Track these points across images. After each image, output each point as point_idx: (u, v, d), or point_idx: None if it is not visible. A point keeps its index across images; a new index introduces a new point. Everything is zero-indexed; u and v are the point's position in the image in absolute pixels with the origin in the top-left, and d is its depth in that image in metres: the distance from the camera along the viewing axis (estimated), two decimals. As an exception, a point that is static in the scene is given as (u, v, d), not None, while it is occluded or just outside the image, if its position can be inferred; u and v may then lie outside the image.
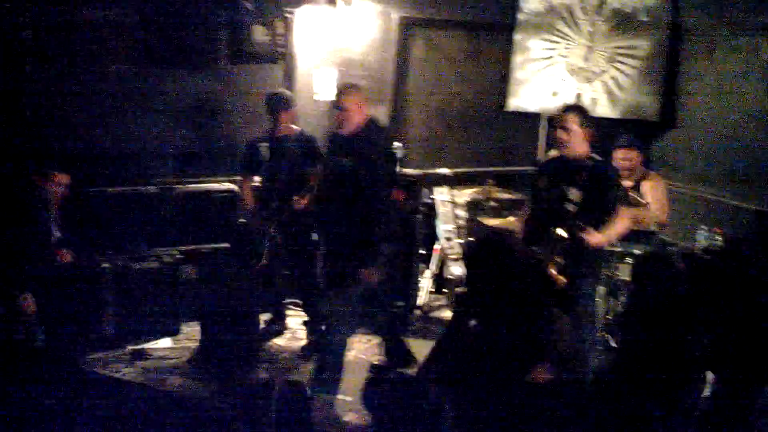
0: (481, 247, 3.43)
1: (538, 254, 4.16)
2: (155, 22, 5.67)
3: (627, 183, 5.70)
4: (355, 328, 5.25)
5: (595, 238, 4.16)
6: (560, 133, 4.35)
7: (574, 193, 4.20)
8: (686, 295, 3.46)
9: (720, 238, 5.78)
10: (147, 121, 5.74)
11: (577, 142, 4.32)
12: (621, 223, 4.35)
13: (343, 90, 4.70)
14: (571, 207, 4.20)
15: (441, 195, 6.33)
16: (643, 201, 5.45)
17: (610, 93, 6.51)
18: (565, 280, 4.10)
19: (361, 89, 4.78)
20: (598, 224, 4.24)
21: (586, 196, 4.16)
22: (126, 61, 5.64)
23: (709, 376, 3.39)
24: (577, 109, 4.48)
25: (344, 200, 4.63)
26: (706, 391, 3.53)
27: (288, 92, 5.62)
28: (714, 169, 6.23)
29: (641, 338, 3.41)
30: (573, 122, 4.32)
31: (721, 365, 3.45)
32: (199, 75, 5.90)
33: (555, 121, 4.43)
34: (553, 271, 4.10)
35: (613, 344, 4.95)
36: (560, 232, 4.16)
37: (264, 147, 5.40)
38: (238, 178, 5.78)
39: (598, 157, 4.42)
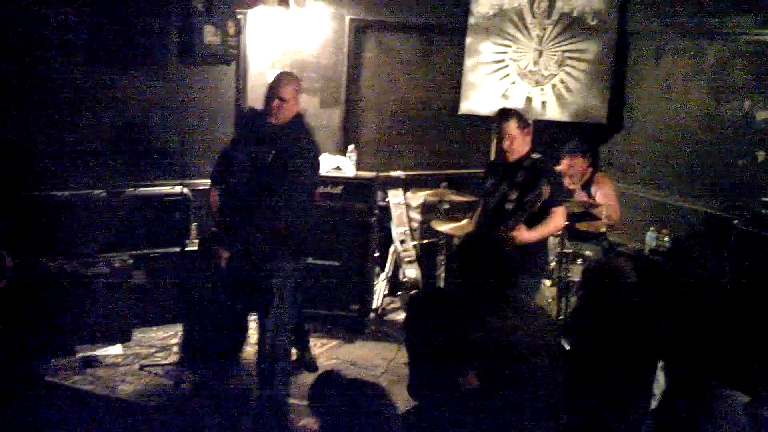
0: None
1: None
2: (103, 23, 5.56)
3: (575, 186, 5.81)
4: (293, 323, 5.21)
5: (523, 234, 4.27)
6: (501, 140, 4.48)
7: (512, 193, 4.30)
8: (638, 300, 3.52)
9: (667, 239, 5.93)
10: (95, 123, 5.63)
11: (517, 146, 4.46)
12: (554, 221, 4.49)
13: (284, 79, 4.54)
14: (509, 206, 4.31)
15: (395, 198, 6.36)
16: (596, 202, 5.54)
17: (559, 96, 6.60)
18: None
19: (299, 81, 4.70)
20: (535, 222, 4.37)
21: (523, 195, 4.28)
22: (73, 62, 5.52)
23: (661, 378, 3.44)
24: (511, 114, 4.55)
25: (262, 189, 4.42)
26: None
27: None
28: (661, 171, 6.36)
29: (592, 341, 3.46)
30: (510, 128, 4.44)
31: (672, 363, 3.51)
32: (149, 76, 5.81)
33: (493, 129, 4.53)
34: None
35: (566, 346, 5.01)
36: (501, 229, 4.26)
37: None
38: (191, 180, 5.72)
39: (536, 156, 4.56)
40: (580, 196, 5.75)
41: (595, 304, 3.51)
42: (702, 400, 2.65)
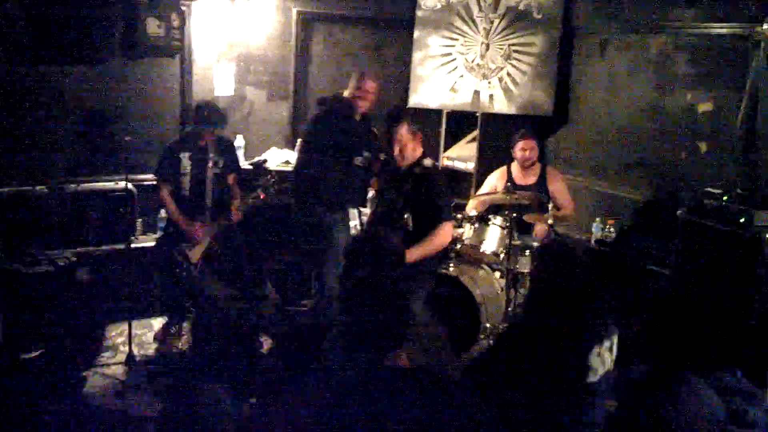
0: None
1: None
2: (43, 17, 5.41)
3: (530, 180, 5.89)
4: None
5: (410, 255, 4.15)
6: (395, 150, 4.47)
7: (399, 201, 4.32)
8: (584, 283, 3.56)
9: (613, 229, 6.03)
10: (36, 118, 5.49)
11: (409, 152, 4.47)
12: (439, 238, 4.43)
13: None
14: (396, 215, 4.35)
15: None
16: (549, 202, 5.61)
17: (506, 89, 6.65)
18: None
19: None
20: (425, 229, 4.36)
21: (412, 203, 4.30)
22: (13, 57, 5.36)
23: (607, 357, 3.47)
24: (402, 118, 4.55)
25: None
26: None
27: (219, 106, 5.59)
28: (606, 163, 6.46)
29: (540, 325, 3.49)
30: (404, 136, 4.45)
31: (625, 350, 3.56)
32: (92, 70, 5.68)
33: (387, 136, 4.51)
34: None
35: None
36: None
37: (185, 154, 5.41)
38: (135, 176, 5.62)
39: (427, 163, 4.55)
40: (527, 180, 5.85)
41: (545, 286, 3.55)
42: (664, 385, 2.68)
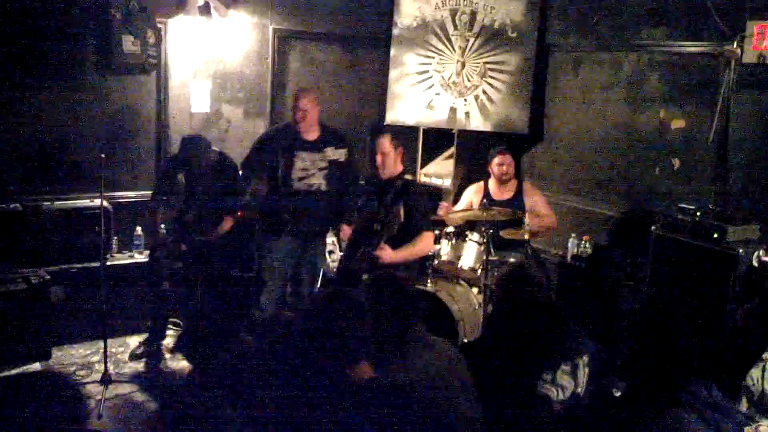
0: None
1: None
2: (16, 33, 5.39)
3: (506, 195, 5.94)
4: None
5: (386, 255, 4.32)
6: (377, 159, 4.57)
7: (381, 213, 4.35)
8: (546, 299, 3.59)
9: (588, 245, 6.08)
10: (10, 136, 5.44)
11: (390, 164, 4.57)
12: (421, 244, 4.52)
13: None
14: (377, 226, 4.35)
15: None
16: (517, 211, 5.65)
17: (482, 107, 6.70)
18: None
19: None
20: (405, 241, 4.42)
21: (392, 221, 4.31)
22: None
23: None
24: (385, 131, 4.69)
25: None
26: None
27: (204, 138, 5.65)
28: (581, 179, 6.52)
29: (502, 337, 3.52)
30: (386, 147, 4.56)
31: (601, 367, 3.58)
32: (67, 87, 5.65)
33: (370, 147, 4.64)
34: None
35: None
36: (366, 250, 4.31)
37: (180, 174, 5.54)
38: (111, 193, 5.59)
39: (409, 177, 4.72)
40: (503, 195, 5.89)
41: (508, 301, 3.59)
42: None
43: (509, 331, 3.43)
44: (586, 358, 3.42)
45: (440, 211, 5.92)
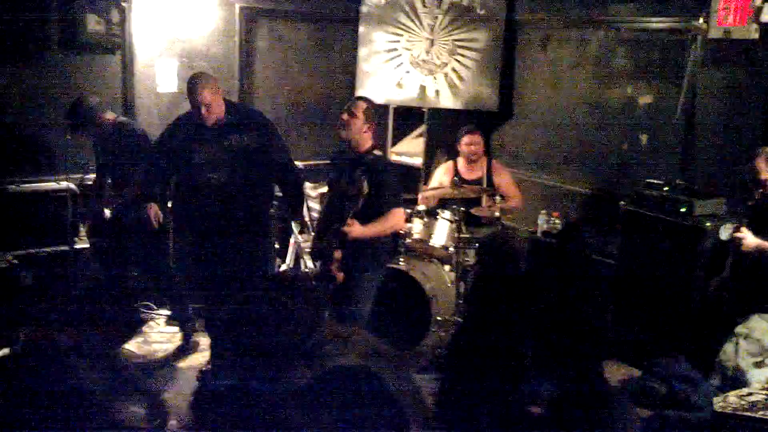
0: None
1: None
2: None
3: (476, 174, 5.96)
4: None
5: (355, 230, 4.24)
6: (343, 116, 4.43)
7: (351, 189, 4.32)
8: (526, 273, 3.61)
9: (558, 222, 6.13)
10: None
11: (356, 130, 4.41)
12: (391, 220, 4.45)
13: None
14: (346, 202, 4.32)
15: (293, 188, 6.29)
16: (488, 188, 5.68)
17: (451, 85, 6.70)
18: (342, 276, 4.25)
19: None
20: (372, 220, 4.36)
21: (357, 194, 4.24)
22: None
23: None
24: (366, 101, 4.56)
25: None
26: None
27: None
28: (551, 156, 6.56)
29: (483, 314, 3.54)
30: (359, 110, 4.42)
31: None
32: (29, 67, 5.54)
33: (341, 115, 4.48)
34: (333, 267, 4.23)
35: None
36: (335, 227, 4.29)
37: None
38: (77, 175, 5.52)
39: (378, 153, 4.58)
40: (473, 174, 5.91)
41: (488, 275, 3.60)
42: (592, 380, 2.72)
43: (490, 307, 3.46)
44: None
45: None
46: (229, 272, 4.58)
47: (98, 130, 5.09)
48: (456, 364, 3.50)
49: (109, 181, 5.33)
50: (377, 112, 4.48)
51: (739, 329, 4.19)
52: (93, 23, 5.67)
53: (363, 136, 4.46)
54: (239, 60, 6.47)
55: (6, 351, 5.02)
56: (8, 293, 5.02)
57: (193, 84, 4.54)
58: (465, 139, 5.95)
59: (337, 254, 4.25)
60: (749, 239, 4.31)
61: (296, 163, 6.55)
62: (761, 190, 4.31)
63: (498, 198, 5.62)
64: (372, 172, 4.34)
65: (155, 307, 5.83)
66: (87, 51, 5.76)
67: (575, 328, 3.35)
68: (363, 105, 4.46)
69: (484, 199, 5.62)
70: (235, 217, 4.69)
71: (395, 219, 4.50)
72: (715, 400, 3.55)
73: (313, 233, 6.00)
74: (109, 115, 5.13)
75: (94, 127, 5.07)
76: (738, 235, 4.36)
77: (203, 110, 4.50)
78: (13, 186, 5.42)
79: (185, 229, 4.95)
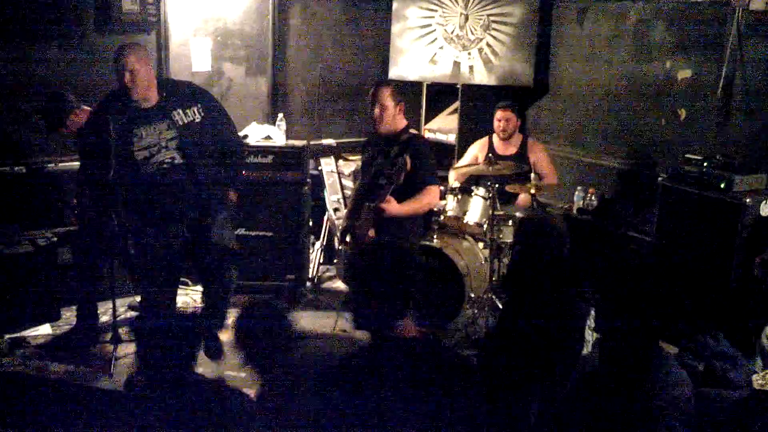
0: None
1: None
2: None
3: (511, 150, 5.91)
4: None
5: (392, 207, 4.28)
6: (375, 111, 4.45)
7: (387, 168, 4.31)
8: (569, 256, 3.57)
9: (594, 198, 6.07)
10: (11, 98, 5.40)
11: (389, 118, 4.45)
12: (427, 197, 4.47)
13: None
14: (383, 181, 4.33)
15: (327, 166, 6.31)
16: (530, 172, 5.62)
17: (486, 60, 6.62)
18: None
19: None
20: (408, 198, 4.38)
21: (398, 170, 4.25)
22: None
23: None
24: (386, 85, 4.55)
25: None
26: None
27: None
28: (587, 131, 6.48)
29: (524, 298, 3.51)
30: (386, 99, 4.43)
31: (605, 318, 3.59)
32: (65, 48, 5.59)
33: (370, 99, 4.49)
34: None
35: (500, 305, 5.09)
36: (371, 205, 4.28)
37: None
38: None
39: (414, 131, 4.61)
40: (508, 150, 5.86)
41: (528, 257, 3.56)
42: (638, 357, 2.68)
43: (531, 287, 3.44)
44: (593, 312, 3.44)
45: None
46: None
47: (75, 125, 4.85)
48: (499, 350, 3.48)
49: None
50: (411, 89, 4.47)
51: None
52: (128, 3, 5.70)
53: (396, 119, 4.51)
54: (272, 38, 6.47)
55: (47, 327, 5.17)
56: (48, 270, 5.12)
57: (118, 52, 4.27)
58: (496, 115, 5.90)
59: (371, 233, 4.25)
60: None
61: (330, 140, 6.64)
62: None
63: (533, 176, 5.56)
64: (408, 148, 4.33)
65: (190, 284, 5.90)
66: (122, 31, 5.79)
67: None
68: (388, 92, 4.47)
69: (533, 177, 5.54)
70: (191, 197, 4.45)
71: (431, 196, 4.52)
72: (754, 377, 3.48)
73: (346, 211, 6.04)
74: (86, 110, 4.89)
75: (68, 122, 4.86)
76: None
77: (127, 77, 4.18)
78: (52, 164, 5.49)
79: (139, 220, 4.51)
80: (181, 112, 4.37)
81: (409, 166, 4.20)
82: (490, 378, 3.32)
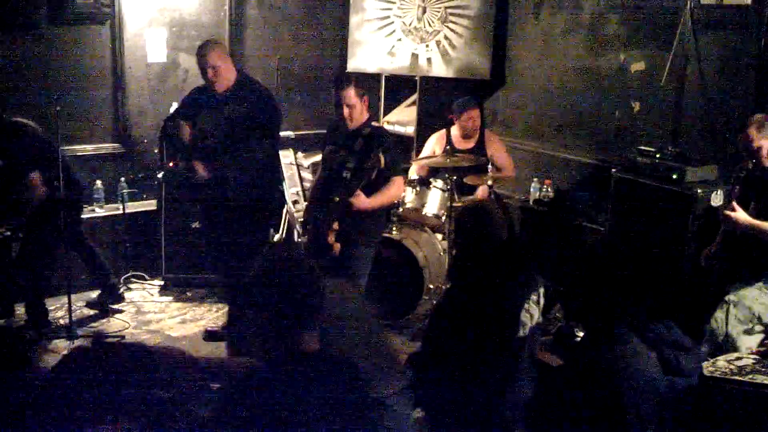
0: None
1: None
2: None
3: (469, 144, 5.94)
4: None
5: (361, 201, 4.28)
6: (344, 111, 4.43)
7: (350, 161, 4.33)
8: (508, 240, 3.60)
9: (550, 189, 6.14)
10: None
11: (357, 114, 4.45)
12: (393, 189, 4.51)
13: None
14: (347, 174, 4.34)
15: (286, 158, 6.28)
16: (480, 158, 5.66)
17: (444, 53, 6.65)
18: (339, 246, 4.26)
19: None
20: (374, 190, 4.38)
21: (361, 163, 4.27)
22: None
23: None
24: (351, 82, 4.51)
25: None
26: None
27: None
28: (543, 124, 6.55)
29: (465, 282, 3.56)
30: (352, 98, 4.41)
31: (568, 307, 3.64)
32: (18, 38, 5.49)
33: (335, 100, 4.47)
34: (331, 238, 4.24)
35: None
36: (336, 198, 4.29)
37: None
38: (66, 146, 5.48)
39: (375, 124, 4.64)
40: (467, 144, 5.90)
41: (466, 244, 3.61)
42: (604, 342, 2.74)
43: (472, 274, 3.48)
44: (541, 290, 3.50)
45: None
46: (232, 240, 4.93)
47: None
48: (439, 329, 3.54)
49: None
50: (369, 81, 4.46)
51: (729, 297, 4.20)
52: (81, -6, 5.61)
53: (363, 114, 4.50)
54: (229, 29, 6.43)
55: (2, 322, 5.08)
56: (1, 264, 5.04)
57: (201, 48, 4.87)
58: (464, 115, 5.86)
59: (336, 225, 4.24)
60: (741, 218, 4.24)
61: (289, 132, 6.60)
62: (753, 159, 4.26)
63: (491, 168, 5.60)
64: (375, 142, 4.33)
65: (147, 278, 5.86)
66: (76, 21, 5.71)
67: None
68: (352, 90, 4.41)
69: (490, 170, 5.57)
70: (230, 183, 4.89)
71: (397, 188, 4.57)
72: (704, 365, 3.57)
73: (305, 203, 6.02)
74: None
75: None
76: (731, 214, 4.26)
77: (210, 72, 4.78)
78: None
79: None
80: (236, 105, 4.86)
81: (382, 163, 4.20)
82: (435, 359, 3.38)
